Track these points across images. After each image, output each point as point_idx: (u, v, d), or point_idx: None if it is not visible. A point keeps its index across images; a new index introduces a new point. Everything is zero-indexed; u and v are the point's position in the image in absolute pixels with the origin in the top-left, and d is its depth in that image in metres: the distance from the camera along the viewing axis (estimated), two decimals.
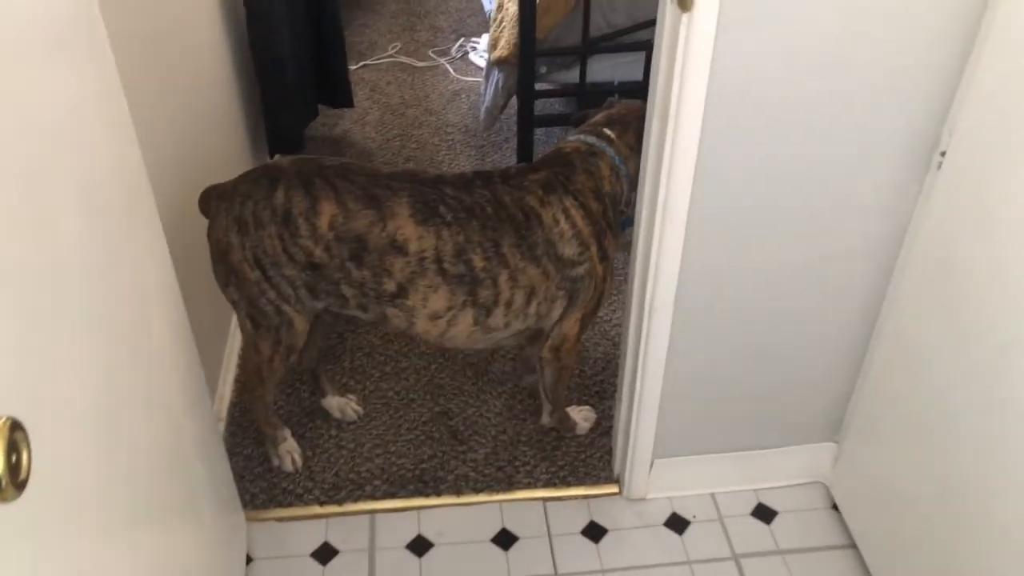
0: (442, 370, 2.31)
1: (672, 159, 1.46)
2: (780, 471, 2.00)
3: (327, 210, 1.63)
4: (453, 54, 3.84)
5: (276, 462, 2.05)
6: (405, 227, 1.63)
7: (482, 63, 3.75)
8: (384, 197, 1.64)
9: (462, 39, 3.94)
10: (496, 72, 2.84)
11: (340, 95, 3.20)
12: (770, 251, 1.62)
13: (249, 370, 1.91)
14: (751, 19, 1.33)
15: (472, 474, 2.04)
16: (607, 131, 1.82)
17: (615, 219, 1.79)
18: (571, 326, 1.82)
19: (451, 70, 3.74)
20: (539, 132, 3.14)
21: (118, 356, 1.13)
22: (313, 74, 3.08)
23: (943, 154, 1.47)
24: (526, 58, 2.66)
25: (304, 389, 2.26)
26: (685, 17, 1.32)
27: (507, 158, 3.16)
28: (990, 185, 1.36)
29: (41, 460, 0.81)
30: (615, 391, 2.23)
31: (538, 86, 2.79)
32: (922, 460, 1.61)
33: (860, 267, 1.66)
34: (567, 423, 2.11)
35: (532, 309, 1.74)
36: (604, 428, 2.14)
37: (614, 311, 2.46)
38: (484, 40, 3.88)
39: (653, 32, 2.72)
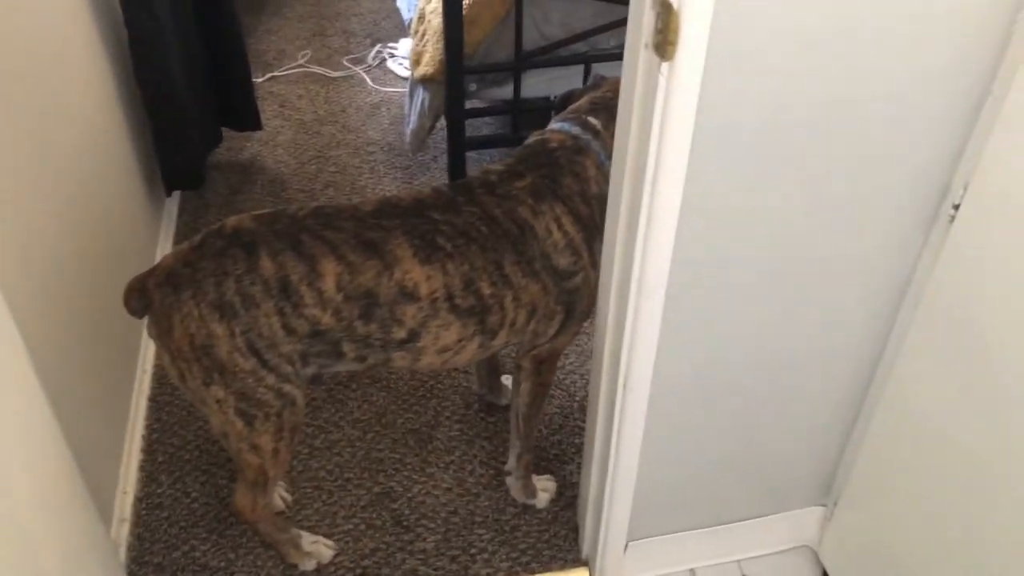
0: (379, 440, 2.04)
1: (648, 230, 1.23)
2: (764, 539, 1.81)
3: (330, 269, 1.39)
4: (370, 62, 3.53)
5: (308, 565, 1.77)
6: (412, 270, 1.42)
7: (401, 71, 3.45)
8: (381, 241, 1.42)
9: (378, 45, 3.63)
10: (421, 91, 2.56)
11: (246, 117, 2.87)
12: (757, 319, 1.41)
13: (247, 481, 1.58)
14: (742, 66, 1.10)
15: (422, 568, 1.79)
16: (592, 120, 1.62)
17: (602, 222, 1.58)
18: (564, 341, 1.67)
19: (368, 80, 3.43)
20: (472, 154, 2.88)
21: None
22: (213, 96, 2.74)
23: (956, 207, 1.27)
24: (453, 76, 2.39)
25: (221, 475, 1.96)
26: (664, 67, 1.08)
27: (437, 179, 2.89)
28: (1011, 242, 1.18)
29: None
30: (575, 454, 2.01)
31: (468, 104, 2.53)
32: (920, 523, 1.47)
33: (854, 328, 1.47)
34: (528, 487, 1.88)
35: (531, 327, 1.59)
36: (568, 499, 1.92)
37: (567, 357, 2.23)
38: (402, 45, 3.58)
39: (590, 45, 2.51)
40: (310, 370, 1.49)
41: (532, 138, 1.63)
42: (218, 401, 1.43)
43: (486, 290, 1.48)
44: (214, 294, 1.36)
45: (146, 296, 1.41)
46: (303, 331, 1.41)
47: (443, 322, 1.48)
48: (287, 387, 1.45)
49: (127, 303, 1.43)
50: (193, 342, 1.38)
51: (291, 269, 1.38)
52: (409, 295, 1.43)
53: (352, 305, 1.41)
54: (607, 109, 1.64)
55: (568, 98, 1.74)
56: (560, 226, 1.53)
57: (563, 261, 1.54)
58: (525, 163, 1.56)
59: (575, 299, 1.59)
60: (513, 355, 1.80)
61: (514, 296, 1.51)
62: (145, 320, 1.44)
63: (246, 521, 1.65)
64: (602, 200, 1.56)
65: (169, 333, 1.39)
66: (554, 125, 1.64)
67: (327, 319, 1.41)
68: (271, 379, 1.43)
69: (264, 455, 1.52)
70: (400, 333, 1.47)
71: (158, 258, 2.46)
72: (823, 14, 1.08)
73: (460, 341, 1.52)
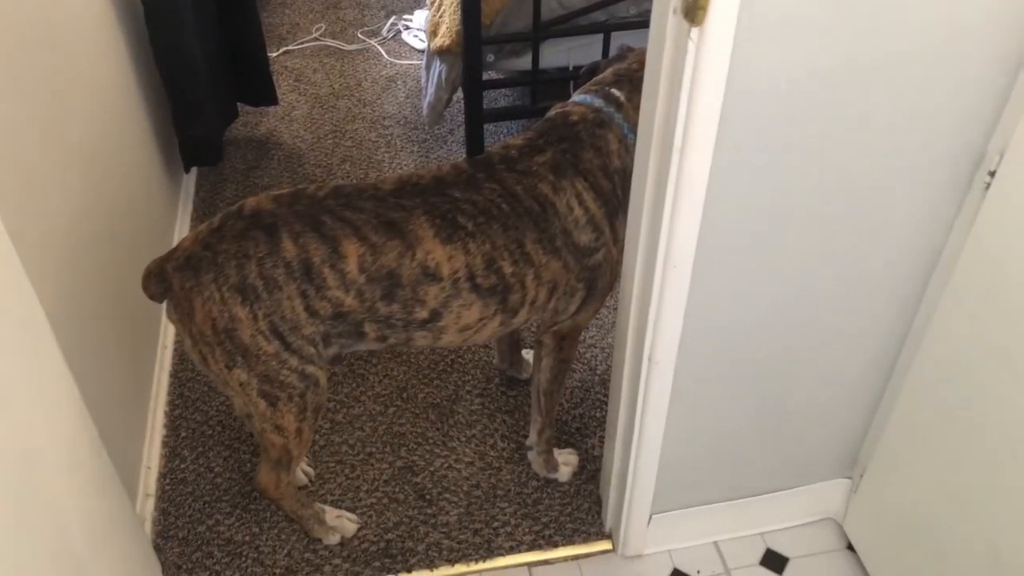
0: (401, 415, 2.04)
1: (676, 199, 1.21)
2: (788, 512, 1.80)
3: (352, 251, 1.38)
4: (384, 34, 3.50)
5: (332, 539, 1.78)
6: (434, 250, 1.41)
7: (417, 43, 3.42)
8: (402, 221, 1.40)
9: (393, 17, 3.59)
10: (437, 63, 2.53)
11: (262, 92, 2.85)
12: (785, 291, 1.39)
13: (270, 460, 1.59)
14: (775, 31, 1.07)
15: (446, 541, 1.79)
16: (615, 92, 1.59)
17: (625, 197, 1.57)
18: (586, 317, 1.65)
19: (383, 52, 3.40)
20: (489, 127, 2.85)
21: None
22: (229, 71, 2.72)
23: (992, 174, 1.24)
24: (471, 47, 2.36)
25: (244, 450, 1.97)
26: (694, 32, 1.05)
27: (454, 152, 2.87)
28: None
29: None
30: (596, 427, 2.00)
31: (485, 76, 2.50)
32: (947, 497, 1.45)
33: (883, 299, 1.45)
34: (550, 461, 1.87)
35: (552, 304, 1.57)
36: (590, 472, 1.91)
37: (587, 331, 2.22)
38: (417, 17, 3.54)
39: (609, 13, 2.47)
40: (332, 350, 1.48)
41: (554, 111, 1.60)
42: (241, 384, 1.43)
43: (507, 269, 1.47)
44: (236, 277, 1.35)
45: (165, 280, 1.39)
46: (326, 313, 1.40)
47: (465, 302, 1.47)
48: (310, 368, 1.44)
49: (146, 288, 1.41)
50: (215, 326, 1.37)
51: (313, 251, 1.37)
52: (431, 275, 1.42)
53: (374, 286, 1.40)
54: (631, 81, 1.61)
55: (593, 70, 1.71)
56: (581, 202, 1.50)
57: (584, 238, 1.52)
58: (545, 137, 1.54)
59: (597, 276, 1.57)
60: (534, 329, 1.79)
61: (535, 274, 1.50)
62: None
63: (270, 498, 1.65)
64: (625, 174, 1.54)
65: (190, 317, 1.38)
66: (576, 97, 1.62)
67: (350, 301, 1.40)
68: (294, 361, 1.42)
69: (288, 435, 1.51)
70: (422, 313, 1.45)
71: (177, 234, 2.46)
72: None
73: (481, 320, 1.51)
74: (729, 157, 1.18)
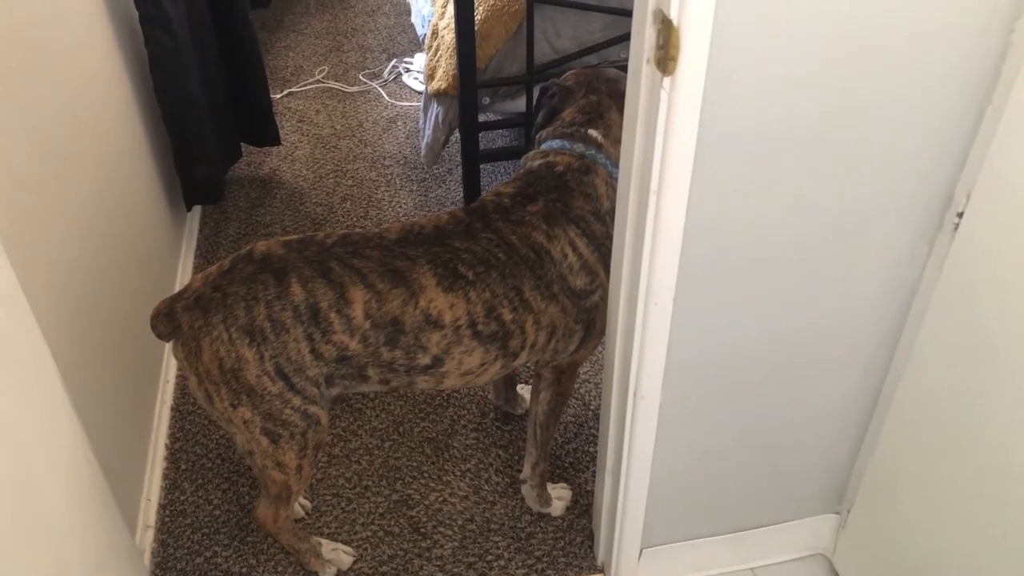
0: (397, 449, 2.07)
1: (655, 239, 1.25)
2: (778, 547, 1.82)
3: (358, 297, 1.42)
4: (386, 77, 3.59)
5: (328, 572, 1.81)
6: (436, 299, 1.46)
7: (417, 85, 3.50)
8: (407, 269, 1.46)
9: (394, 60, 3.68)
10: (435, 105, 2.60)
11: (265, 133, 2.93)
12: (765, 328, 1.43)
13: (270, 495, 1.62)
14: (744, 81, 1.13)
15: (440, 574, 1.82)
16: (592, 133, 1.64)
17: None
18: (585, 354, 1.69)
19: (384, 94, 3.49)
20: (486, 167, 2.92)
21: None
22: (232, 112, 2.80)
23: (960, 215, 1.29)
24: (467, 90, 2.43)
25: (243, 483, 2.00)
26: (666, 81, 1.11)
27: (452, 192, 2.93)
28: (1015, 249, 1.19)
29: None
30: (590, 462, 2.03)
31: (481, 117, 2.57)
32: (933, 530, 1.47)
33: (862, 336, 1.48)
34: (544, 495, 1.90)
35: (551, 345, 1.62)
36: (583, 507, 1.94)
37: (581, 366, 2.25)
38: (417, 60, 3.63)
39: (601, 57, 2.54)
40: (335, 391, 1.52)
41: (535, 161, 1.64)
42: (245, 422, 1.46)
43: (507, 316, 1.51)
44: (245, 318, 1.39)
45: (174, 319, 1.43)
46: (330, 356, 1.44)
47: (466, 348, 1.51)
48: (312, 408, 1.48)
49: (155, 327, 1.45)
50: (222, 365, 1.41)
51: (321, 296, 1.41)
52: (434, 323, 1.46)
53: (379, 332, 1.44)
54: (600, 117, 1.66)
55: (552, 114, 1.73)
56: (575, 248, 1.55)
57: (579, 282, 1.56)
58: (535, 186, 1.58)
59: (594, 316, 1.62)
60: (531, 366, 1.82)
61: (534, 320, 1.54)
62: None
63: (268, 532, 1.68)
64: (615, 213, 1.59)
65: (198, 356, 1.42)
66: (554, 144, 1.65)
67: (354, 345, 1.44)
68: (297, 401, 1.46)
69: (288, 471, 1.55)
70: (424, 359, 1.50)
71: (180, 271, 2.52)
72: (822, 26, 1.11)
73: (483, 365, 1.55)
74: (704, 199, 1.23)
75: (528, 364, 2.11)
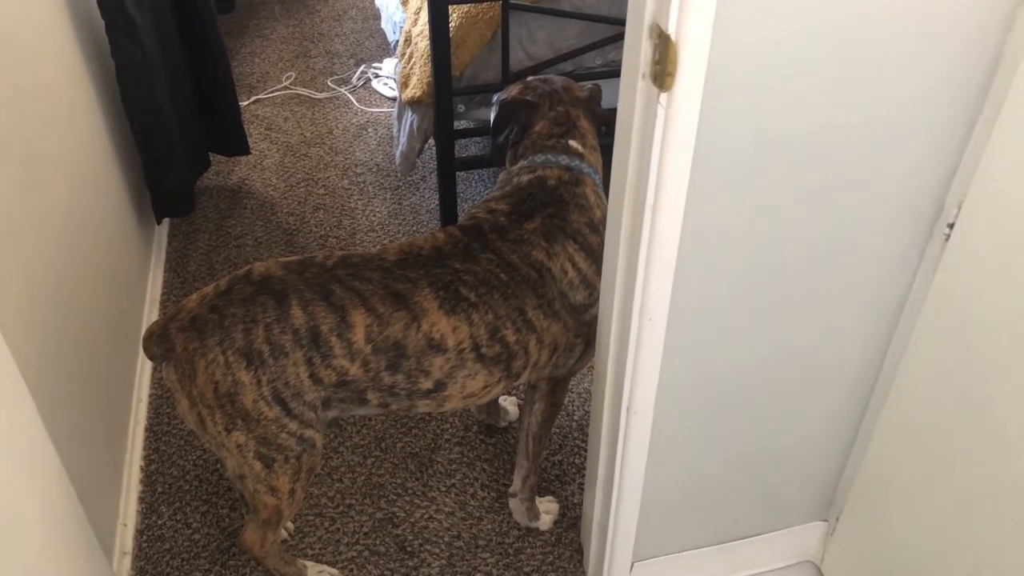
0: (380, 465, 2.04)
1: (649, 256, 1.24)
2: (768, 555, 1.82)
3: (360, 321, 1.39)
4: (354, 83, 3.54)
5: None
6: (439, 322, 1.42)
7: (387, 91, 3.46)
8: (408, 292, 1.42)
9: (363, 65, 3.63)
10: (409, 113, 2.57)
11: (233, 142, 2.87)
12: (758, 338, 1.42)
13: (259, 519, 1.57)
14: (740, 97, 1.12)
15: None
16: (573, 144, 1.64)
17: None
18: (582, 365, 1.68)
19: (354, 100, 3.44)
20: (461, 174, 2.89)
21: None
22: (200, 121, 2.74)
23: (951, 226, 1.29)
24: (442, 98, 2.40)
25: (222, 504, 1.95)
26: (663, 97, 1.09)
27: (427, 199, 2.90)
28: (1005, 260, 1.20)
29: None
30: (575, 474, 2.02)
31: (457, 125, 2.53)
32: (921, 537, 1.48)
33: (853, 346, 1.48)
34: (532, 509, 1.88)
35: (552, 361, 1.60)
36: (570, 520, 1.92)
37: None
38: (387, 65, 3.58)
39: (576, 64, 2.52)
40: (331, 414, 1.49)
41: (523, 176, 1.62)
42: (239, 446, 1.42)
43: (511, 337, 1.49)
44: (242, 341, 1.35)
45: (168, 341, 1.38)
46: (330, 381, 1.41)
47: (470, 372, 1.48)
48: (308, 432, 1.45)
49: (147, 348, 1.41)
50: (218, 389, 1.36)
51: (322, 319, 1.37)
52: (436, 347, 1.43)
53: (380, 357, 1.41)
54: (573, 127, 1.67)
55: (525, 129, 1.71)
56: (574, 264, 1.54)
57: (579, 296, 1.55)
58: (528, 203, 1.56)
59: (593, 328, 1.60)
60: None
61: (538, 339, 1.52)
62: (141, 349, 1.43)
63: (254, 557, 1.64)
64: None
65: (191, 379, 1.37)
66: (537, 159, 1.64)
67: (355, 370, 1.41)
68: (293, 426, 1.42)
69: (281, 496, 1.51)
70: (427, 384, 1.47)
71: (150, 285, 2.45)
72: (818, 42, 1.10)
73: (486, 387, 1.53)
74: (700, 214, 1.22)
75: None
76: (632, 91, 1.16)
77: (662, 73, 1.08)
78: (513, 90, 1.76)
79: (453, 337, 1.44)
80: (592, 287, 1.56)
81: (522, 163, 1.65)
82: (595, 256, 1.56)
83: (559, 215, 1.55)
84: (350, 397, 1.45)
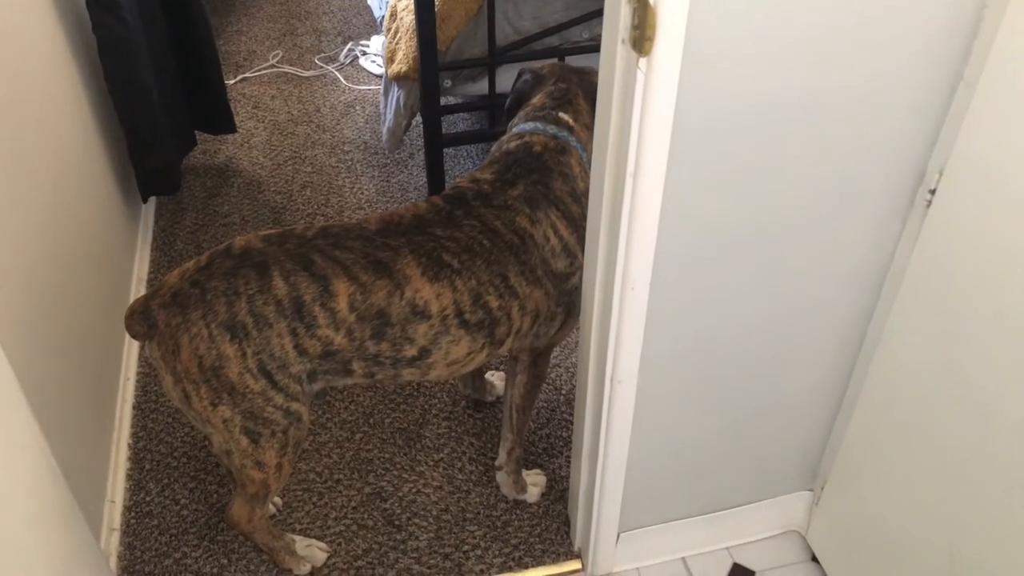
0: (368, 440, 2.04)
1: (631, 225, 1.24)
2: (753, 526, 1.83)
3: (342, 290, 1.38)
4: (342, 60, 3.51)
5: (302, 569, 1.76)
6: (422, 289, 1.42)
7: (374, 69, 3.44)
8: (390, 260, 1.42)
9: (350, 43, 3.61)
10: (395, 89, 2.55)
11: (219, 120, 2.85)
12: (741, 307, 1.42)
13: (246, 494, 1.57)
14: (719, 63, 1.11)
15: (416, 566, 1.79)
16: (563, 116, 1.65)
17: None
18: (563, 335, 1.68)
19: (341, 78, 3.42)
20: (449, 150, 2.87)
21: None
22: (186, 99, 2.72)
23: (932, 192, 1.29)
24: (428, 73, 2.38)
25: (210, 480, 1.95)
26: (643, 62, 1.09)
27: (415, 177, 2.89)
28: (986, 226, 1.20)
29: None
30: (563, 447, 2.02)
31: (443, 101, 2.52)
32: (906, 505, 1.49)
33: (836, 315, 1.49)
34: (519, 482, 1.89)
35: (534, 330, 1.60)
36: (558, 493, 1.93)
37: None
38: (374, 43, 3.56)
39: (563, 38, 2.51)
40: (317, 386, 1.49)
41: (512, 143, 1.62)
42: (224, 421, 1.42)
43: (494, 303, 1.49)
44: (225, 314, 1.35)
45: (150, 318, 1.37)
46: (315, 352, 1.40)
47: (453, 338, 1.48)
48: (294, 405, 1.45)
49: (129, 327, 1.40)
50: (202, 364, 1.36)
51: (304, 289, 1.37)
52: (420, 313, 1.43)
53: (364, 325, 1.41)
54: (569, 102, 1.67)
55: (521, 99, 1.76)
56: (556, 231, 1.54)
57: (561, 264, 1.55)
58: (513, 170, 1.56)
59: (574, 298, 1.60)
60: (503, 352, 1.80)
61: (520, 305, 1.52)
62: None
63: (242, 531, 1.64)
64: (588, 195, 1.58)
65: (175, 354, 1.37)
66: (526, 126, 1.65)
67: (339, 339, 1.41)
68: (280, 399, 1.42)
69: (268, 470, 1.51)
70: (411, 351, 1.47)
71: (137, 264, 2.44)
72: (797, 7, 1.09)
73: (469, 354, 1.53)
74: (680, 182, 1.22)
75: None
76: (612, 57, 1.15)
77: (641, 38, 1.07)
78: (543, 67, 1.80)
79: (437, 303, 1.44)
80: (573, 256, 1.56)
81: (513, 131, 1.65)
82: (576, 225, 1.56)
83: (543, 182, 1.55)
84: (335, 368, 1.45)
